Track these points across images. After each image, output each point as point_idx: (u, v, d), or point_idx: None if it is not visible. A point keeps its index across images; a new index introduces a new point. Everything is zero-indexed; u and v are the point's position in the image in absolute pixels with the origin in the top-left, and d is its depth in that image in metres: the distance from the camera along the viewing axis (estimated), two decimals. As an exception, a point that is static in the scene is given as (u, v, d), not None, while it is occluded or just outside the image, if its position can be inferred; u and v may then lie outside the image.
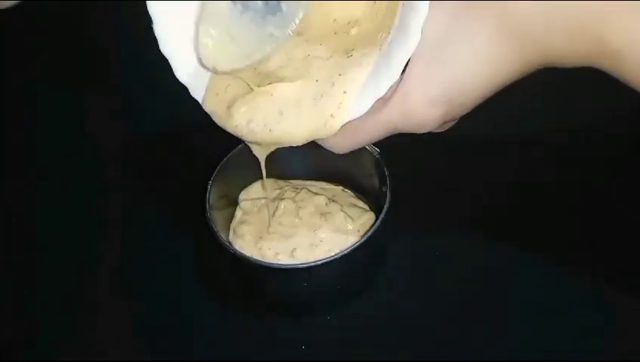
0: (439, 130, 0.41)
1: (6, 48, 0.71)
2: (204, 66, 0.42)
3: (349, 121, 0.40)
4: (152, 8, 0.42)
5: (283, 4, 0.40)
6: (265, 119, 0.41)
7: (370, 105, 0.39)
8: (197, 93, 0.44)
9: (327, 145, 0.42)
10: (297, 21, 0.40)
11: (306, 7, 0.41)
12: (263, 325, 0.49)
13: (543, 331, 0.46)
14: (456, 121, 0.41)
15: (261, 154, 0.46)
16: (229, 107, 0.42)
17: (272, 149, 0.44)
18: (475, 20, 0.35)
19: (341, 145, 0.42)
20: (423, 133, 0.40)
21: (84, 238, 0.55)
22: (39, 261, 0.54)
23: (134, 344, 0.48)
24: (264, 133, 0.41)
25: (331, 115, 0.40)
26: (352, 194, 0.53)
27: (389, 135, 0.40)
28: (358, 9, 0.42)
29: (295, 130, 0.41)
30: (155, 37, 0.43)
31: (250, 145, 0.45)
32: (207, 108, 0.43)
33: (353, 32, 0.42)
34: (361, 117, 0.39)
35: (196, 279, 0.52)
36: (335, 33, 0.42)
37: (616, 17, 0.33)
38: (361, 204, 0.52)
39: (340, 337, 0.48)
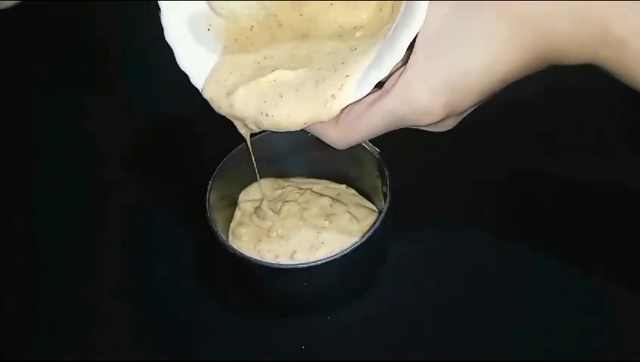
0: (442, 128, 0.40)
1: (6, 48, 0.71)
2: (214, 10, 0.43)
3: (351, 106, 0.39)
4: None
5: None
6: (264, 104, 0.41)
7: (372, 86, 0.38)
8: (198, 82, 0.44)
9: (328, 140, 0.41)
10: None
11: None
12: (263, 325, 0.49)
13: (543, 331, 0.46)
14: (460, 119, 0.40)
15: (246, 132, 0.45)
16: (229, 94, 0.42)
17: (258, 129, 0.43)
18: (477, 9, 0.35)
19: (342, 139, 0.40)
20: (428, 132, 0.40)
21: (84, 238, 0.55)
22: (39, 261, 0.54)
23: (134, 344, 0.48)
24: (262, 118, 0.41)
25: (332, 96, 0.39)
26: (356, 193, 0.53)
27: (392, 128, 0.39)
28: (363, 15, 0.42)
29: (294, 112, 0.40)
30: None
31: (235, 123, 0.44)
32: (207, 94, 0.43)
33: (358, 34, 0.42)
34: (362, 104, 0.39)
35: (196, 279, 0.52)
36: (340, 36, 0.42)
37: (619, 4, 0.33)
38: (367, 203, 0.52)
39: (340, 337, 0.48)
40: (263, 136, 0.49)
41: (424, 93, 0.37)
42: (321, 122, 0.40)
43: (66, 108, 0.65)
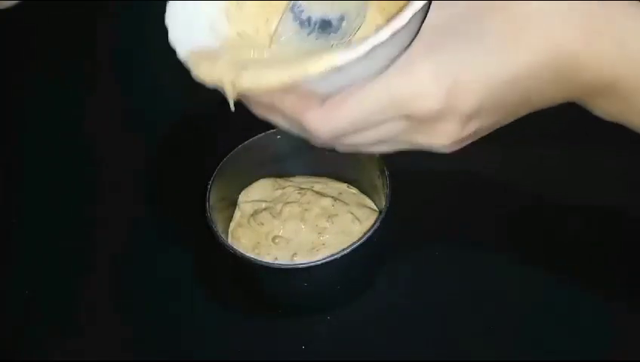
0: (442, 137, 0.37)
1: (6, 48, 0.71)
2: None
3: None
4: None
5: (343, 22, 0.42)
6: (247, 61, 0.38)
7: (366, 50, 0.33)
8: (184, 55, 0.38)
9: (308, 122, 0.35)
10: (354, 32, 0.42)
11: (361, 20, 0.42)
12: (262, 325, 0.49)
13: (543, 331, 0.46)
14: (462, 132, 0.37)
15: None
16: (215, 58, 0.38)
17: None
18: (488, 10, 0.34)
19: (323, 121, 0.35)
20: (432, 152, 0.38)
21: (84, 238, 0.55)
22: (39, 261, 0.54)
23: (134, 344, 0.48)
24: (242, 73, 0.36)
25: (320, 55, 0.34)
26: (358, 191, 0.52)
27: (385, 113, 0.35)
28: None
29: (278, 66, 0.35)
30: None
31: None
32: (186, 59, 0.38)
33: None
34: (355, 85, 0.35)
35: (196, 279, 0.52)
36: None
37: (636, 19, 0.32)
38: (369, 203, 0.52)
39: (339, 337, 0.48)
40: (264, 136, 0.49)
41: (427, 68, 0.34)
42: (306, 96, 0.35)
43: (65, 108, 0.65)
